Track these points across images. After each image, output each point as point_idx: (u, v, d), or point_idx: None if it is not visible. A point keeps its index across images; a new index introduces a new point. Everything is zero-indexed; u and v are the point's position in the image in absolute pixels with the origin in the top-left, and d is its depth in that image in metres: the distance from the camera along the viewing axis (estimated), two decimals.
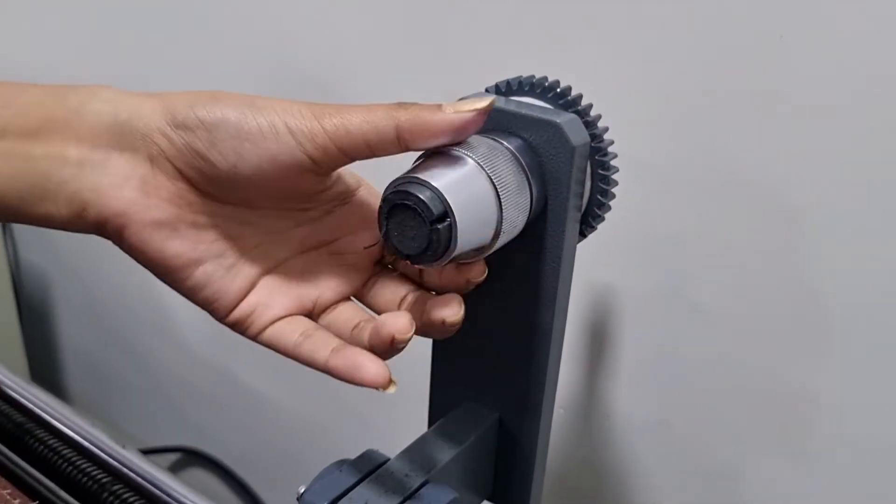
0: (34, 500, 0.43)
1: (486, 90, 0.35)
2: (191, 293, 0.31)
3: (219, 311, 0.32)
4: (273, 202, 0.32)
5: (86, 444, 0.49)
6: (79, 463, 0.49)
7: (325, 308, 0.33)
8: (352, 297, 0.34)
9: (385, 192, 0.29)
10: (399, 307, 0.33)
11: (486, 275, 0.32)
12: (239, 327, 0.32)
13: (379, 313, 0.33)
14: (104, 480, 0.48)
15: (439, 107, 0.29)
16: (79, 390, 0.95)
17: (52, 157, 0.30)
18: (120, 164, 0.30)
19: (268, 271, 0.32)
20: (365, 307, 0.34)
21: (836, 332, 0.41)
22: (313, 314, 0.33)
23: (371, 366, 0.30)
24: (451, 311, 0.31)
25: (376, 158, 0.29)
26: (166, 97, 0.30)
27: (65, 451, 0.50)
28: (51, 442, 0.51)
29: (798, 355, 0.43)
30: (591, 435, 0.52)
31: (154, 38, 0.68)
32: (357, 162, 0.30)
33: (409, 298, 0.33)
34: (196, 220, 0.31)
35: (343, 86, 0.56)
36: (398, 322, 0.30)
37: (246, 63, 0.61)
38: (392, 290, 0.34)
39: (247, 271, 0.32)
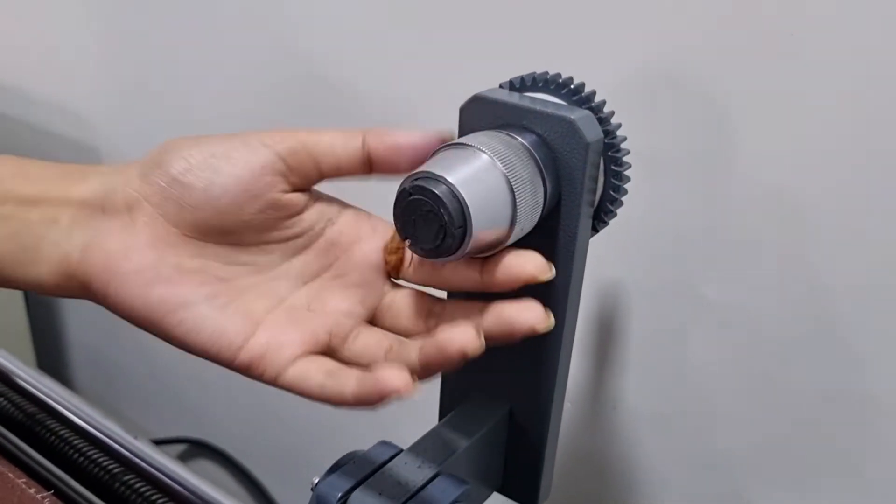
0: (49, 490, 0.43)
1: (500, 86, 0.36)
2: (187, 339, 0.31)
3: (223, 354, 0.31)
4: (256, 233, 0.32)
5: (98, 434, 0.49)
6: (91, 453, 0.49)
7: (346, 338, 0.32)
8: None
9: (400, 186, 0.29)
10: (425, 323, 0.32)
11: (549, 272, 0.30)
12: (254, 371, 0.31)
13: (402, 333, 0.32)
14: (116, 471, 0.48)
15: (401, 131, 0.31)
16: (86, 382, 0.95)
17: (46, 220, 0.31)
18: (104, 225, 0.31)
19: (271, 309, 0.32)
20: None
21: (842, 329, 0.41)
22: (335, 348, 0.32)
23: (391, 373, 0.28)
24: (534, 314, 0.29)
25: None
26: (145, 158, 0.31)
27: (77, 442, 0.50)
28: (63, 432, 0.51)
29: (804, 350, 0.43)
30: (598, 428, 0.52)
31: (157, 36, 0.68)
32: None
33: (438, 310, 0.32)
34: (180, 262, 0.31)
35: (351, 84, 0.56)
36: (465, 335, 0.28)
37: (250, 63, 0.61)
38: (413, 305, 0.32)
39: (244, 310, 0.31)
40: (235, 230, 0.31)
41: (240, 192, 0.30)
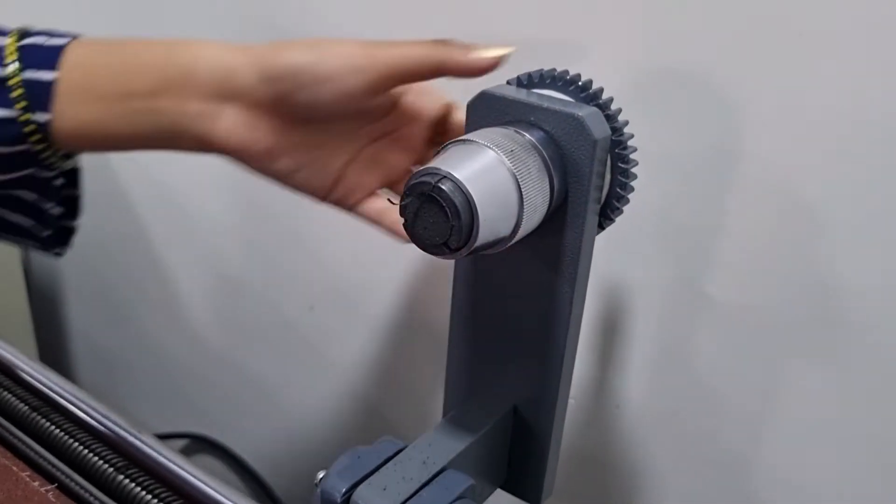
0: (52, 483, 0.43)
1: (508, 83, 0.36)
2: (299, 190, 0.41)
3: (319, 193, 0.41)
4: (344, 117, 0.40)
5: (101, 428, 0.49)
6: (95, 446, 0.49)
7: (400, 183, 0.43)
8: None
9: (407, 183, 0.29)
10: None
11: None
12: (342, 204, 0.42)
13: None
14: (120, 464, 0.48)
15: (468, 48, 0.36)
16: (88, 375, 0.95)
17: (175, 111, 0.38)
18: (229, 113, 0.38)
19: (350, 162, 0.41)
20: None
21: (849, 328, 0.41)
22: (394, 190, 0.43)
23: None
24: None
25: None
26: (254, 52, 0.38)
27: (80, 435, 0.50)
28: (66, 426, 0.51)
29: (810, 350, 0.43)
30: (602, 425, 0.52)
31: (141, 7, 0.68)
32: None
33: None
34: (292, 141, 0.39)
35: None
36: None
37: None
38: None
39: (334, 164, 0.40)
40: (331, 119, 0.39)
41: (337, 108, 0.38)
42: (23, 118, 0.38)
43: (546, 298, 0.35)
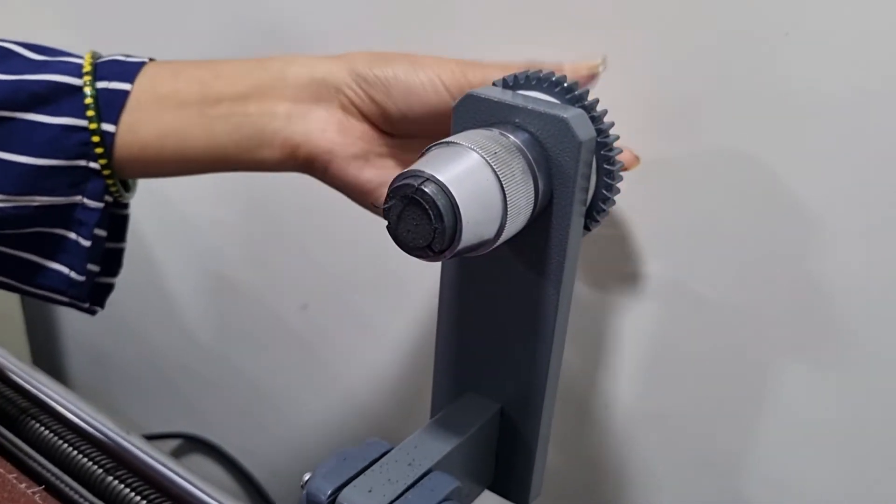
0: (39, 485, 0.43)
1: (494, 84, 0.35)
2: (379, 211, 0.40)
3: None
4: (430, 132, 0.38)
5: (90, 429, 0.49)
6: (84, 448, 0.49)
7: None
8: None
9: (390, 185, 0.29)
10: None
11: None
12: None
13: None
14: (109, 466, 0.48)
15: (562, 68, 0.37)
16: (80, 375, 0.95)
17: (264, 114, 0.38)
18: (320, 114, 0.38)
19: None
20: None
21: (841, 329, 0.41)
22: None
23: None
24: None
25: None
26: (349, 58, 0.38)
27: (69, 436, 0.50)
28: (55, 427, 0.51)
29: (802, 351, 0.43)
30: (590, 426, 0.52)
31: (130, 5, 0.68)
32: None
33: None
34: (381, 151, 0.39)
35: None
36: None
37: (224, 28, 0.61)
38: None
39: None
40: (418, 133, 0.39)
41: (426, 121, 0.37)
42: (91, 126, 0.37)
43: (532, 300, 0.35)
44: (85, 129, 0.37)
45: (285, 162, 0.39)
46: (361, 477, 0.33)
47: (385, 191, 0.36)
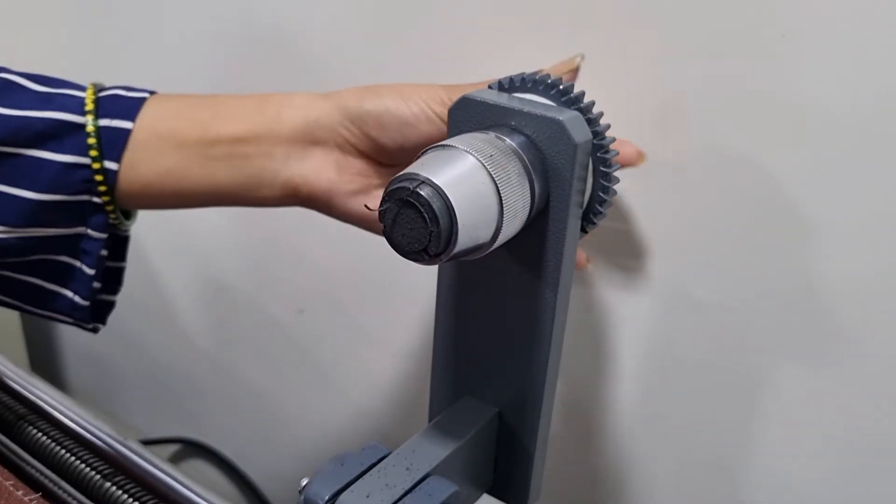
0: (37, 492, 0.43)
1: (490, 86, 0.35)
2: None
3: None
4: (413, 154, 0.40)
5: (87, 435, 0.49)
6: (81, 454, 0.49)
7: None
8: None
9: (386, 188, 0.29)
10: None
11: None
12: None
13: None
14: (106, 472, 0.48)
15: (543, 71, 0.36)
16: (79, 381, 0.95)
17: (263, 155, 0.38)
18: (317, 154, 0.39)
19: None
20: None
21: (837, 330, 0.41)
22: None
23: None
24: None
25: None
26: (339, 97, 0.39)
27: (67, 442, 0.50)
28: (53, 433, 0.51)
29: (800, 352, 0.43)
30: (589, 429, 0.52)
31: (114, 10, 0.68)
32: None
33: None
34: (381, 182, 0.40)
35: (332, 77, 0.56)
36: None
37: (214, 35, 0.61)
38: None
39: None
40: (407, 157, 0.38)
41: (425, 138, 0.38)
42: (95, 165, 0.38)
43: (529, 304, 0.35)
44: (88, 166, 0.38)
45: (286, 200, 0.40)
46: (359, 482, 0.33)
47: None
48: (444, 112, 0.36)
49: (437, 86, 0.38)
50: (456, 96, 0.35)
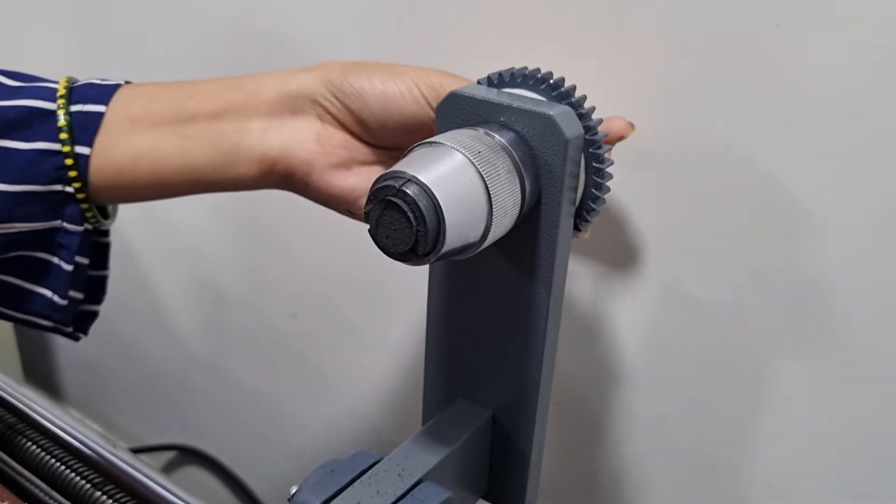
0: (25, 502, 0.42)
1: (479, 82, 0.35)
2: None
3: None
4: (414, 143, 0.38)
5: (77, 444, 0.48)
6: (71, 463, 0.48)
7: None
8: None
9: (371, 187, 0.28)
10: None
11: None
12: None
13: None
14: (97, 481, 0.47)
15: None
16: (73, 388, 0.94)
17: (239, 130, 0.37)
18: (297, 125, 0.37)
19: None
20: None
21: (837, 329, 0.41)
22: None
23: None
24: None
25: None
26: (323, 68, 0.37)
27: (57, 452, 0.49)
28: (43, 443, 0.50)
29: (799, 352, 0.42)
30: (586, 430, 0.51)
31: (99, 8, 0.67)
32: None
33: None
34: (364, 159, 0.38)
35: None
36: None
37: (202, 32, 0.60)
38: None
39: None
40: (402, 142, 0.37)
41: (405, 130, 0.36)
42: (64, 149, 0.37)
43: (522, 304, 0.34)
44: (59, 152, 0.37)
45: (263, 178, 0.38)
46: (349, 489, 0.33)
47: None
48: (432, 94, 0.35)
49: (428, 68, 0.37)
50: (447, 81, 0.35)
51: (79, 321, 0.44)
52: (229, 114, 0.37)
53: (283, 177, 0.38)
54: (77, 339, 0.44)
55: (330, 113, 0.37)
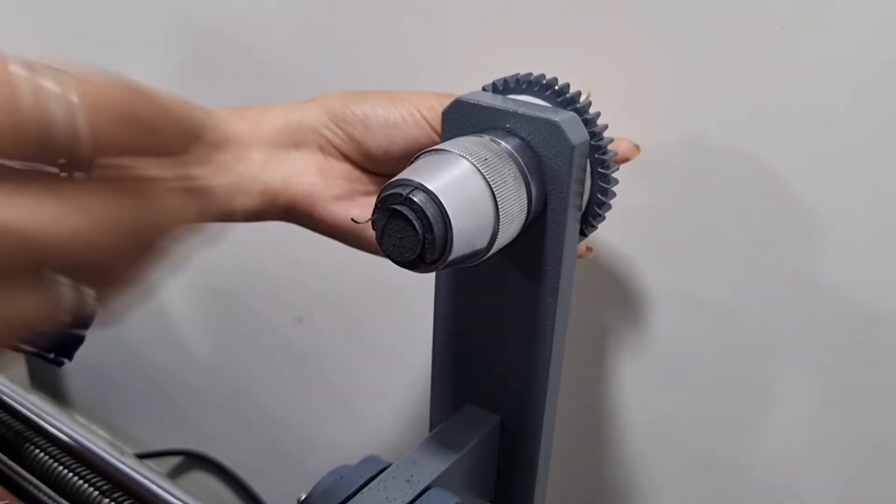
0: None
1: (484, 88, 0.35)
2: (370, 248, 0.38)
3: None
4: (399, 163, 0.37)
5: (84, 451, 0.49)
6: (78, 470, 0.48)
7: None
8: None
9: (379, 195, 0.28)
10: None
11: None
12: None
13: None
14: (104, 487, 0.47)
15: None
16: (80, 394, 0.94)
17: (241, 160, 0.36)
18: (298, 157, 0.37)
19: None
20: None
21: (842, 331, 0.40)
22: None
23: None
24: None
25: None
26: (324, 99, 0.37)
27: (64, 459, 0.50)
28: (50, 450, 0.50)
29: (803, 354, 0.42)
30: (594, 434, 0.51)
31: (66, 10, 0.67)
32: None
33: None
34: (366, 189, 0.38)
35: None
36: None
37: (165, 40, 0.61)
38: None
39: None
40: (394, 165, 0.37)
41: (412, 142, 0.36)
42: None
43: (529, 310, 0.34)
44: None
45: (264, 211, 0.37)
46: (359, 496, 0.33)
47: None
48: (434, 117, 0.35)
49: (428, 92, 0.37)
50: (447, 103, 0.35)
51: (63, 347, 0.43)
52: (230, 144, 0.37)
53: (285, 209, 0.38)
54: (60, 364, 0.44)
55: (332, 143, 0.37)
